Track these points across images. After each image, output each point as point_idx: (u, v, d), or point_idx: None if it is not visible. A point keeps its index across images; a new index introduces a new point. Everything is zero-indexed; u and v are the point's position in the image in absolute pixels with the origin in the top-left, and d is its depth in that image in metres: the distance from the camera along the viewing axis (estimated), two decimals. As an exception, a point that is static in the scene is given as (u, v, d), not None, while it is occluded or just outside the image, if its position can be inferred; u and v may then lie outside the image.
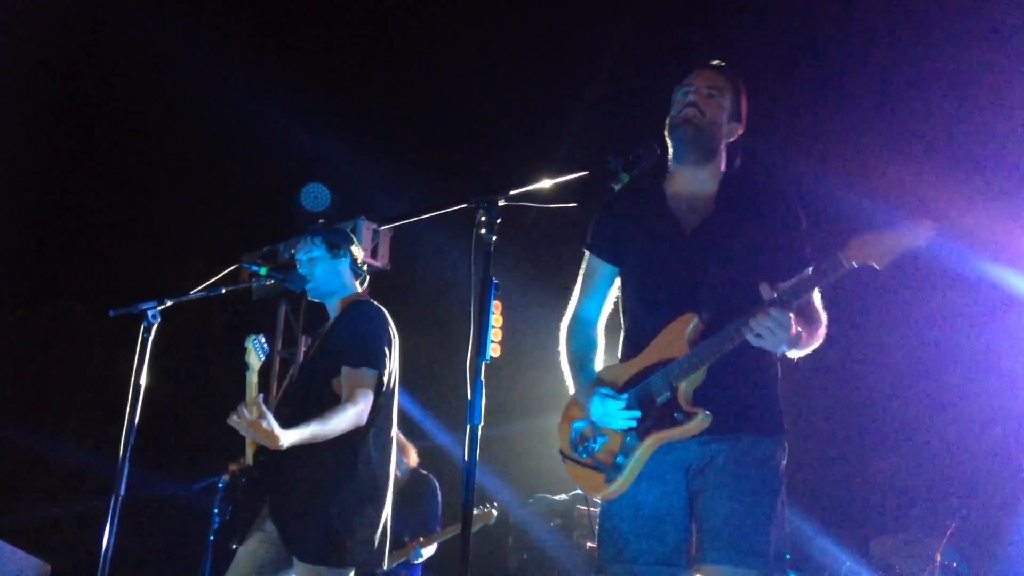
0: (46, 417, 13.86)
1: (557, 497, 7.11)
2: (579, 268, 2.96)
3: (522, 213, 2.64)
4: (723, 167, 2.83)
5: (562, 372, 2.89)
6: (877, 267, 2.36)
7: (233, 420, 3.18)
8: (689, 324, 2.60)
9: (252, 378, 3.69)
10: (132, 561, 11.58)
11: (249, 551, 3.46)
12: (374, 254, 8.90)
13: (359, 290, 3.80)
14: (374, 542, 3.42)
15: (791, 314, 2.46)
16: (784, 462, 2.62)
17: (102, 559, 3.20)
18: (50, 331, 14.66)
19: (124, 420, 3.31)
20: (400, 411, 3.70)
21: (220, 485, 3.94)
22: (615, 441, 2.65)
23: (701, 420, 2.52)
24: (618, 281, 2.89)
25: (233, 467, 3.69)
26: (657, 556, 2.56)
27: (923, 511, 6.70)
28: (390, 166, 12.46)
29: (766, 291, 2.47)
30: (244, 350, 3.74)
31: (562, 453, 2.80)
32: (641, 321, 2.75)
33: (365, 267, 3.86)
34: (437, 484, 6.53)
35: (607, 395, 2.63)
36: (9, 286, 14.28)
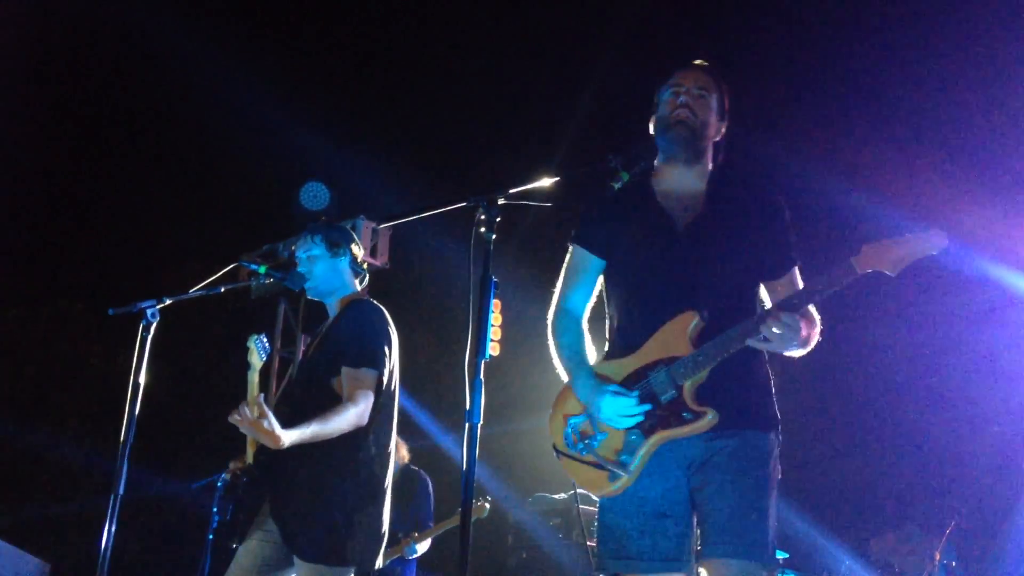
0: (45, 416, 13.82)
1: (556, 496, 7.11)
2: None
3: (522, 212, 2.64)
4: (710, 165, 2.86)
5: (560, 370, 2.88)
6: (891, 274, 2.43)
7: (234, 419, 3.18)
8: (691, 322, 2.60)
9: (253, 377, 3.68)
10: (132, 560, 11.59)
11: (249, 550, 3.46)
12: (373, 253, 8.90)
13: (359, 289, 3.78)
14: (374, 541, 3.42)
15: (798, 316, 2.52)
16: (777, 451, 2.66)
17: (102, 558, 3.20)
18: (49, 330, 14.63)
19: (123, 419, 3.31)
20: (399, 410, 3.70)
21: (219, 484, 3.93)
22: (617, 439, 2.64)
23: (711, 419, 2.54)
24: (602, 276, 2.90)
25: (234, 466, 3.69)
26: (660, 552, 2.57)
27: (922, 510, 6.72)
28: (389, 165, 12.46)
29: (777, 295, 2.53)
30: (246, 349, 3.73)
31: (556, 449, 2.77)
32: (635, 317, 2.75)
33: (365, 266, 3.85)
34: (429, 480, 6.53)
35: (618, 393, 2.61)
36: (8, 285, 14.27)
